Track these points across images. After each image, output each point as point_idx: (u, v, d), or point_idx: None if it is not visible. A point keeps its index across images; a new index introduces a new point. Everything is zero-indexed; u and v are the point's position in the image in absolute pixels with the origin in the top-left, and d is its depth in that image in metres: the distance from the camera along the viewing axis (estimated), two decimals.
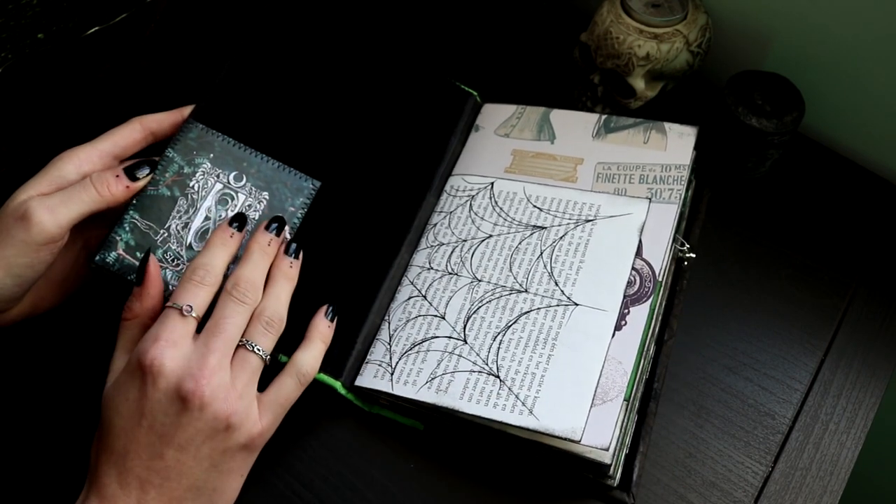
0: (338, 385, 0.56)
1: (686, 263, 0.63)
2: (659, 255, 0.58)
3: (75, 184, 0.54)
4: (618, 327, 0.55)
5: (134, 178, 0.56)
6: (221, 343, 0.50)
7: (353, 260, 0.60)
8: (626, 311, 0.56)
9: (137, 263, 0.55)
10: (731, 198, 0.69)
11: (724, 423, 0.59)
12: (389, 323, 0.59)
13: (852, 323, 0.64)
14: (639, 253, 0.58)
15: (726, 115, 0.65)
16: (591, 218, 0.60)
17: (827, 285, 0.65)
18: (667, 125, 0.64)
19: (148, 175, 0.57)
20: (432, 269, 0.60)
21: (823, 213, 0.69)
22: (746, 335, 0.63)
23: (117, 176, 0.55)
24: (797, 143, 0.72)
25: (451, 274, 0.60)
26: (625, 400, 0.53)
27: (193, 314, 0.51)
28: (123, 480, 0.48)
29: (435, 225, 0.63)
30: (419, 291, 0.60)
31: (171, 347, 0.49)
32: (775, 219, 0.69)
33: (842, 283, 0.66)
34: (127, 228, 0.56)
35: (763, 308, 0.64)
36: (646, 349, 0.57)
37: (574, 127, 0.65)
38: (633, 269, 0.57)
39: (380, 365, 0.57)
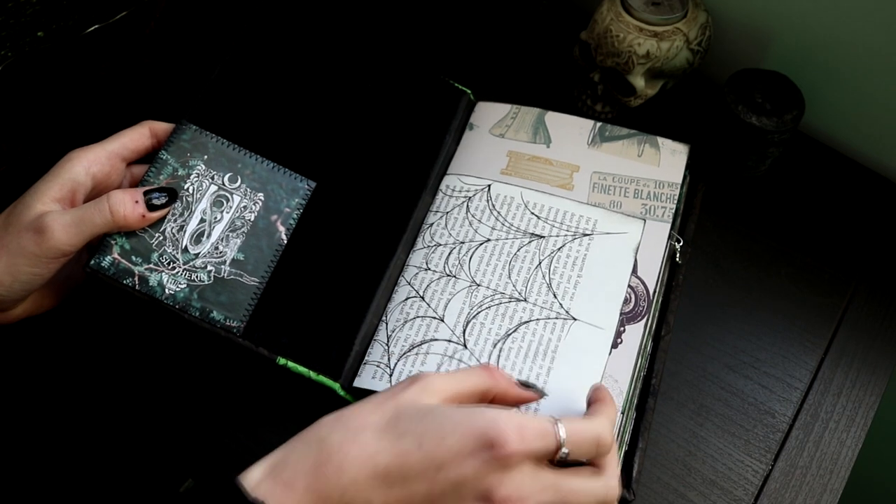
0: (336, 386, 0.56)
1: (680, 260, 0.63)
2: (653, 274, 0.58)
3: (92, 202, 0.53)
4: (614, 345, 0.56)
5: (152, 208, 0.55)
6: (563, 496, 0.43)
7: (350, 260, 0.60)
8: (622, 328, 0.57)
9: (133, 267, 0.55)
10: (731, 196, 0.69)
11: (724, 421, 0.59)
12: (387, 323, 0.59)
13: (852, 321, 0.64)
14: (634, 271, 0.59)
15: (726, 113, 0.65)
16: (588, 232, 0.60)
17: (827, 284, 0.65)
18: (660, 140, 0.64)
19: (166, 206, 0.56)
20: (430, 269, 0.60)
21: (824, 212, 0.69)
22: (746, 333, 0.63)
23: (136, 202, 0.55)
24: (797, 142, 0.72)
25: (449, 276, 0.60)
26: (621, 414, 0.54)
27: (562, 454, 0.44)
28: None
29: (431, 225, 0.63)
30: (417, 292, 0.60)
31: (525, 448, 0.42)
32: (775, 217, 0.68)
33: (842, 281, 0.65)
34: (122, 232, 0.55)
35: (763, 306, 0.64)
36: (643, 347, 0.57)
37: (569, 132, 0.66)
38: (628, 286, 0.58)
39: (378, 366, 0.57)
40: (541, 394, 0.49)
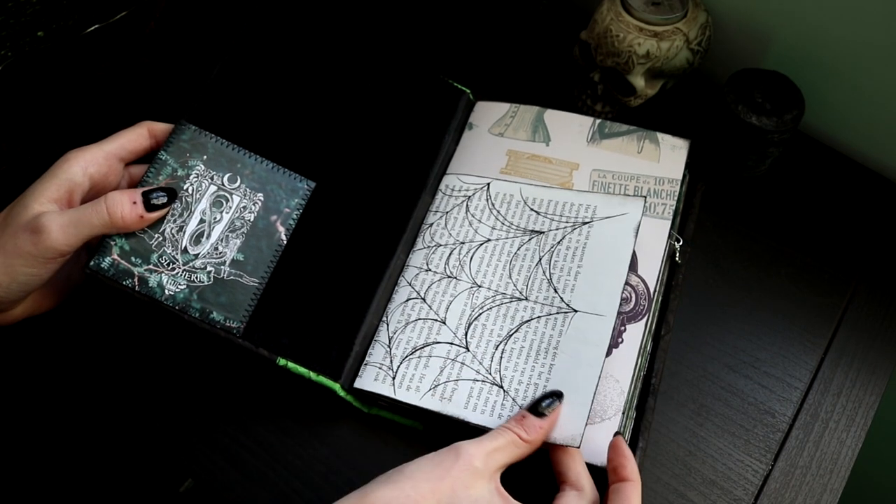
0: (337, 387, 0.56)
1: (680, 259, 0.63)
2: (654, 273, 0.58)
3: (90, 203, 0.53)
4: (614, 345, 0.56)
5: (150, 208, 0.55)
6: None
7: (350, 260, 0.60)
8: (623, 328, 0.57)
9: (132, 268, 0.55)
10: (731, 196, 0.69)
11: (724, 421, 0.59)
12: (388, 324, 0.59)
13: (852, 321, 0.64)
14: (634, 268, 0.58)
15: (726, 113, 0.65)
16: (587, 220, 0.60)
17: (827, 283, 0.65)
18: (660, 136, 0.64)
19: (165, 206, 0.56)
20: (430, 270, 0.60)
21: (824, 212, 0.69)
22: (747, 333, 0.63)
23: (134, 202, 0.54)
24: (797, 142, 0.72)
25: (450, 277, 0.60)
26: (622, 414, 0.54)
27: None
28: None
29: (431, 225, 0.63)
30: (418, 293, 0.59)
31: None
32: (775, 217, 0.68)
33: (842, 281, 0.65)
34: (122, 233, 0.55)
35: (763, 306, 0.64)
36: (643, 347, 0.57)
37: (569, 130, 0.66)
38: (629, 284, 0.58)
39: (380, 368, 0.57)
40: (554, 400, 0.53)
